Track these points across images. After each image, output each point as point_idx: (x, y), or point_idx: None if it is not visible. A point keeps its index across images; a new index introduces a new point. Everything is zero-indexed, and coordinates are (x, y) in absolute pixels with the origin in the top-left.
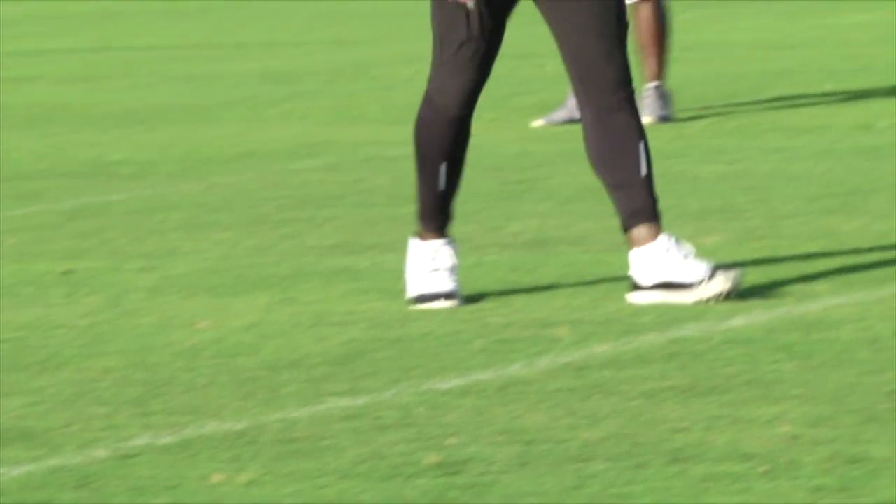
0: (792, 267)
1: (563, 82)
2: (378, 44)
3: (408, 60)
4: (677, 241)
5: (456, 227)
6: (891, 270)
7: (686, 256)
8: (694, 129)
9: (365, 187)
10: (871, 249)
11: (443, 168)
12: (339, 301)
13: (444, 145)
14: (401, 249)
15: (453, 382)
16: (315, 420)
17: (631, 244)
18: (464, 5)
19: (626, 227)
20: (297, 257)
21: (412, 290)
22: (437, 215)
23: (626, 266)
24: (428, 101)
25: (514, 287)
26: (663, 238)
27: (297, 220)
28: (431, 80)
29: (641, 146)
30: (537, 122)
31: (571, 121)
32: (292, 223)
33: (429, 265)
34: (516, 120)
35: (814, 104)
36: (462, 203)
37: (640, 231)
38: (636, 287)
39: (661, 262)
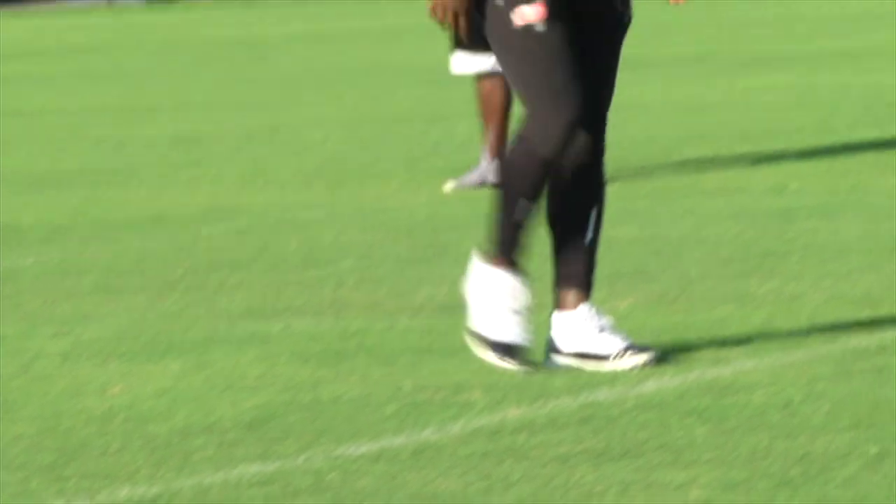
0: (704, 331)
1: (475, 145)
2: (288, 107)
3: (318, 124)
4: (598, 312)
5: (367, 291)
6: (803, 334)
7: (602, 329)
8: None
9: (275, 251)
10: (783, 313)
11: (523, 202)
12: (250, 365)
13: (534, 185)
14: (312, 313)
15: (366, 447)
16: (228, 486)
17: (555, 305)
18: (532, 27)
19: (556, 287)
20: (209, 322)
21: (487, 330)
22: (511, 244)
23: (538, 331)
24: (523, 141)
25: (426, 351)
26: (584, 308)
27: (208, 284)
28: (528, 123)
29: (594, 213)
30: (449, 186)
31: (483, 184)
32: (203, 288)
33: (505, 302)
34: (427, 183)
35: (726, 166)
36: (373, 267)
37: (567, 295)
38: (552, 350)
39: (578, 331)
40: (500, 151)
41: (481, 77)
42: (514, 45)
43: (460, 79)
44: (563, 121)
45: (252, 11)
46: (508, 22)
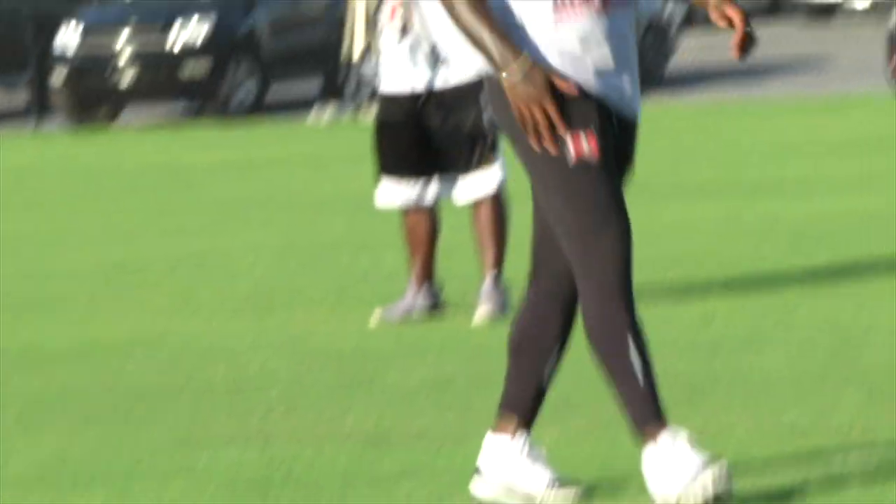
0: (631, 463)
1: (402, 275)
2: (216, 235)
3: (246, 251)
4: (532, 443)
5: (294, 420)
6: (730, 467)
7: (535, 461)
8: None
9: (203, 380)
10: (710, 445)
11: (633, 355)
12: (176, 497)
13: (630, 328)
14: (239, 442)
15: None
16: None
17: (494, 425)
18: (588, 163)
19: (500, 407)
20: (134, 453)
21: (697, 485)
22: (652, 406)
23: (464, 462)
24: (589, 293)
25: (353, 479)
26: (520, 437)
27: (133, 414)
28: (582, 263)
29: (559, 344)
30: (375, 318)
31: (409, 314)
32: (129, 418)
33: (688, 458)
34: (355, 312)
35: (654, 296)
36: (301, 395)
37: (510, 421)
38: (482, 474)
39: (510, 460)
40: (426, 281)
41: (407, 209)
42: (566, 180)
43: (385, 208)
44: (618, 237)
45: (179, 139)
46: (561, 159)
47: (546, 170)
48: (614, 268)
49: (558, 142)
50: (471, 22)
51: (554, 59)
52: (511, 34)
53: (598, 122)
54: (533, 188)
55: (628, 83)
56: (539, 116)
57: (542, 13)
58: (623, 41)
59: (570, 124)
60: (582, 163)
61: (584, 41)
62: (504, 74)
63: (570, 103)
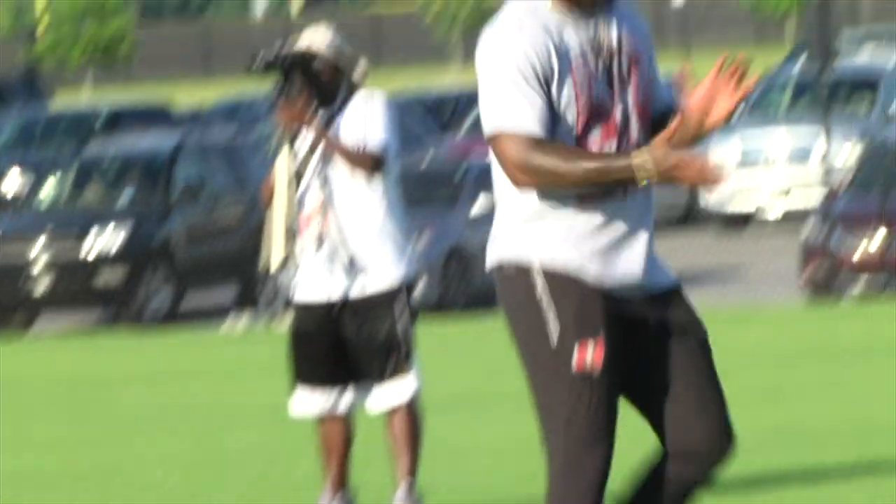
0: None
1: (316, 485)
2: (128, 445)
3: (158, 462)
4: None
5: None
6: None
7: None
8: None
9: None
10: None
11: None
12: None
13: None
14: None
15: None
16: None
17: None
18: (590, 375)
19: None
20: None
21: None
22: None
23: None
24: (561, 500)
25: None
26: None
27: None
28: (563, 479)
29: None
30: None
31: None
32: None
33: None
34: (275, 496)
35: None
36: None
37: None
38: None
39: None
40: (340, 489)
41: (321, 417)
42: (565, 391)
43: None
44: (603, 457)
45: (93, 347)
46: (563, 367)
47: (543, 373)
48: (594, 486)
49: (564, 350)
50: (578, 169)
51: (570, 242)
52: (532, 216)
53: (608, 327)
54: (529, 385)
55: (642, 258)
56: (693, 167)
57: (565, 202)
58: (641, 220)
59: (580, 330)
60: (583, 374)
61: (602, 227)
62: (641, 174)
63: (582, 305)
